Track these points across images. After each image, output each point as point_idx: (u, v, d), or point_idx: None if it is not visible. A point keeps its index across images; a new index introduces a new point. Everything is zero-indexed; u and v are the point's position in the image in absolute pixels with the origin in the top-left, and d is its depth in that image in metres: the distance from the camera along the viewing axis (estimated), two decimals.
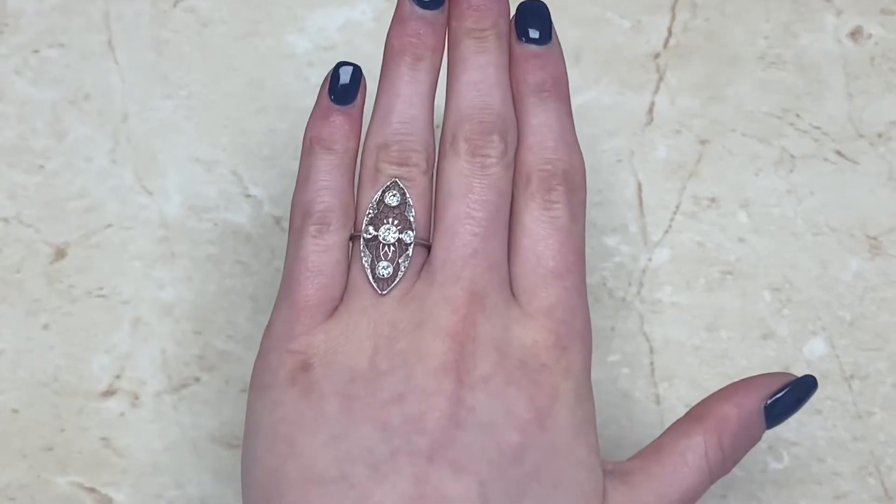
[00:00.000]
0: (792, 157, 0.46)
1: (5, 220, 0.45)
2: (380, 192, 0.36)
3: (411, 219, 0.36)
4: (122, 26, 0.48)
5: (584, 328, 0.36)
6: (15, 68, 0.47)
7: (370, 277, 0.36)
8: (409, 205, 0.36)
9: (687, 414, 0.37)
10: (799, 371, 0.43)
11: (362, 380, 0.34)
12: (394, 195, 0.36)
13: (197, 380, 0.43)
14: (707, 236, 0.45)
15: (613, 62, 0.47)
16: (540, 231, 0.36)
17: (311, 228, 0.36)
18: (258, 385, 0.36)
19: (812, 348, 0.43)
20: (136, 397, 0.43)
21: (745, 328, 0.44)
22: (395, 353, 0.34)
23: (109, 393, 0.43)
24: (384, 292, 0.35)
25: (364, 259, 0.36)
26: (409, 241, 0.36)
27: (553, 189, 0.36)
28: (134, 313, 0.44)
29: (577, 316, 0.36)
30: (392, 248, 0.36)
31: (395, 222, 0.36)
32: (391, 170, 0.36)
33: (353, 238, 0.36)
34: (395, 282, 0.36)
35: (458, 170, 0.36)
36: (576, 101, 0.38)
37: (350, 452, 0.33)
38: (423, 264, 0.36)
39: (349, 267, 0.36)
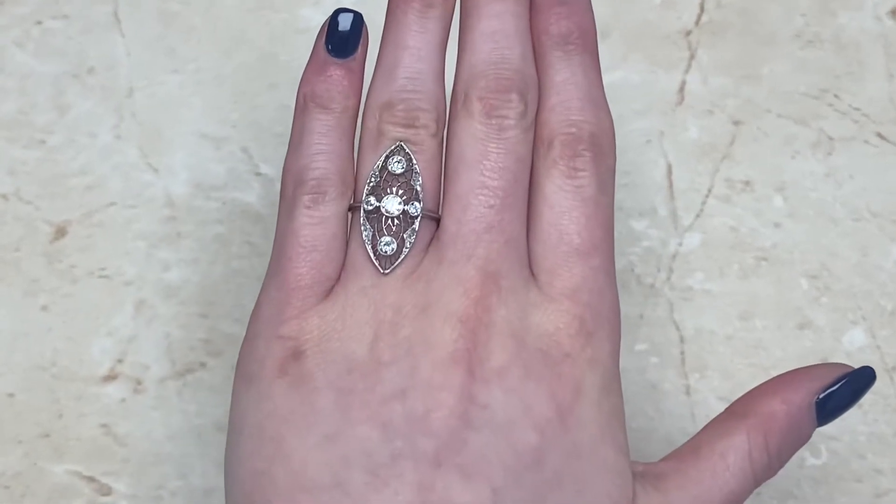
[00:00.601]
0: (830, 139, 0.44)
1: (4, 196, 0.43)
2: (383, 158, 0.33)
3: (418, 188, 0.32)
4: None
5: (612, 313, 0.33)
6: (16, 40, 0.45)
7: (371, 254, 0.32)
8: (416, 172, 0.33)
9: (727, 410, 0.34)
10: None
11: (360, 371, 0.31)
12: (398, 161, 0.33)
13: (202, 365, 0.41)
14: (741, 221, 0.43)
15: (643, 39, 0.45)
16: (563, 202, 0.32)
17: (305, 198, 0.32)
18: (243, 374, 0.32)
19: (851, 339, 0.41)
20: (139, 383, 0.41)
21: (780, 317, 0.42)
22: (398, 341, 0.31)
23: (110, 378, 0.41)
24: (387, 271, 0.32)
25: (364, 233, 0.32)
26: (415, 214, 0.32)
27: (578, 155, 0.33)
28: (137, 295, 0.42)
29: (605, 299, 0.32)
30: (396, 221, 0.32)
31: (400, 192, 0.32)
32: (396, 132, 0.33)
33: (353, 209, 0.33)
34: (399, 259, 0.32)
35: (472, 133, 0.32)
36: (604, 79, 0.35)
37: (346, 455, 0.30)
38: (431, 240, 0.32)
39: (347, 242, 0.33)
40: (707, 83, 0.45)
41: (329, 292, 0.32)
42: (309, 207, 0.32)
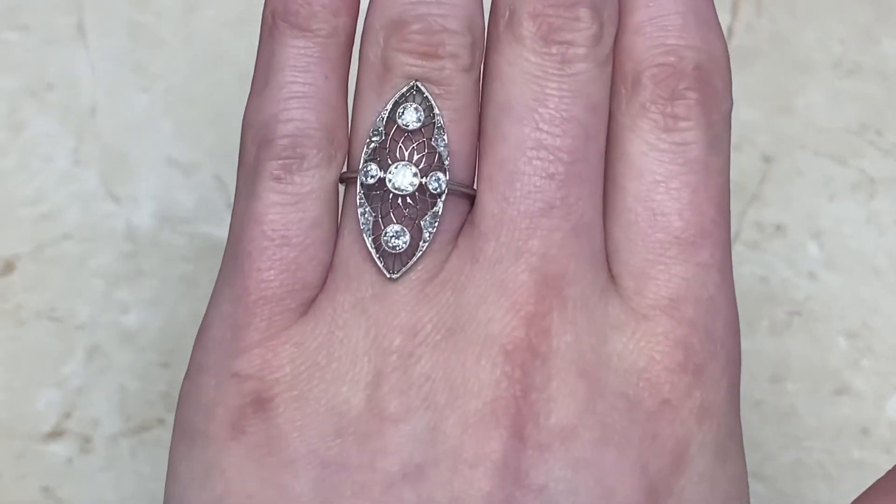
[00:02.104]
0: (872, 180, 0.41)
1: None
2: (390, 105, 0.23)
3: (442, 150, 0.23)
4: (94, 6, 0.42)
5: (729, 334, 0.23)
6: None
7: (372, 250, 0.23)
8: (440, 126, 0.23)
9: (890, 475, 0.24)
10: (880, 433, 0.38)
11: (355, 432, 0.22)
12: (414, 109, 0.23)
13: (161, 421, 0.37)
14: (771, 270, 0.40)
15: None
16: (657, 168, 0.23)
17: (272, 165, 0.23)
18: (184, 430, 0.23)
19: None
20: (88, 440, 0.37)
21: (815, 380, 0.38)
22: (412, 384, 0.22)
23: (56, 434, 0.37)
24: (395, 275, 0.23)
25: (362, 219, 0.23)
26: (437, 189, 0.23)
27: (679, 96, 0.23)
28: (90, 340, 0.38)
29: (718, 312, 0.23)
30: (409, 200, 0.23)
31: (416, 156, 0.23)
32: (410, 66, 0.23)
33: (345, 182, 0.24)
34: (414, 258, 0.23)
35: (522, 67, 0.23)
36: None
37: None
38: (462, 227, 0.23)
39: (337, 232, 0.24)
40: (735, 115, 0.41)
41: (309, 307, 0.23)
42: (279, 179, 0.23)
